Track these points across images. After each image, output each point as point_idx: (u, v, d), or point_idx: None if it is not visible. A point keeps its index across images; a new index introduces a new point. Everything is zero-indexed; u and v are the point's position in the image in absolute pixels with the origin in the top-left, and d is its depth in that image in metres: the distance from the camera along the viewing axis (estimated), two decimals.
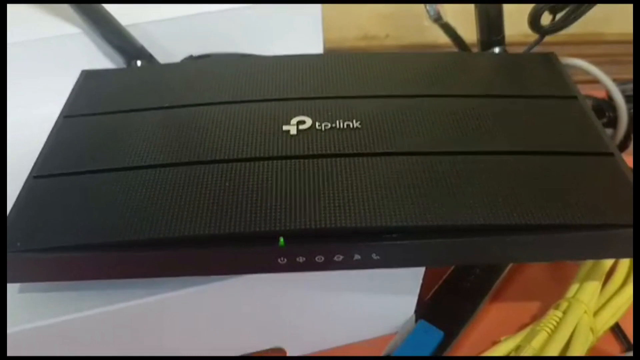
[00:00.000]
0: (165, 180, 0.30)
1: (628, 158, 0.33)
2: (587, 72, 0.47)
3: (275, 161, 0.31)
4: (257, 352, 0.34)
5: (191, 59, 0.43)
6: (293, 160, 0.31)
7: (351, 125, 0.33)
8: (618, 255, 0.31)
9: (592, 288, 0.33)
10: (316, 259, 0.28)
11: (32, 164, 0.32)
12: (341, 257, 0.28)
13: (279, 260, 0.28)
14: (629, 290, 0.34)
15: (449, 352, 0.34)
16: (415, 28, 0.61)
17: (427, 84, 0.37)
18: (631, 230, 0.28)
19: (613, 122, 0.49)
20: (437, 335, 0.34)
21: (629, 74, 0.54)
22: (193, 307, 0.31)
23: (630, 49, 0.50)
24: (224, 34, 0.45)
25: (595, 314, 0.33)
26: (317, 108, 0.34)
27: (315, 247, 0.28)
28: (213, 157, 0.31)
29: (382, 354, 0.34)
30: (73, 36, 0.42)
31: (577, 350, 0.31)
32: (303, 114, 0.34)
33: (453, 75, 0.38)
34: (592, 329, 0.32)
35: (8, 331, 0.28)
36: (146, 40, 0.42)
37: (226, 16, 0.45)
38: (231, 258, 0.28)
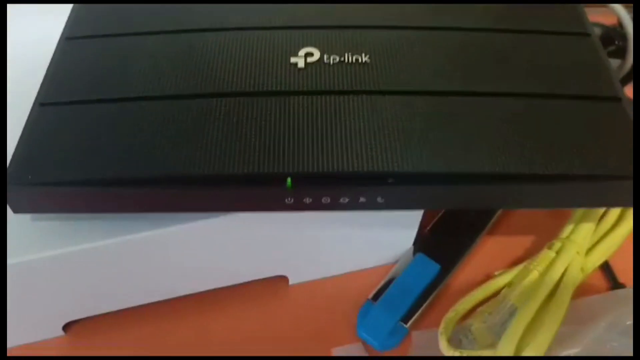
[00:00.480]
0: (174, 113, 0.29)
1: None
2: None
3: (283, 97, 0.30)
4: (261, 279, 0.36)
5: None
6: (301, 97, 0.30)
7: (360, 60, 0.32)
8: (618, 205, 0.31)
9: (586, 229, 0.34)
10: (322, 200, 0.28)
11: (32, 84, 0.31)
12: (347, 200, 0.28)
13: (286, 200, 0.28)
14: (620, 230, 0.35)
15: (444, 285, 0.35)
16: None
17: (436, 14, 0.35)
18: (631, 182, 0.28)
19: (622, 51, 0.48)
20: (434, 268, 0.35)
21: None
22: (201, 239, 0.31)
23: None
24: None
25: (587, 252, 0.35)
26: (326, 39, 0.33)
27: (322, 189, 0.28)
28: (221, 90, 0.31)
29: (380, 283, 0.35)
30: None
31: (566, 289, 0.32)
32: (311, 45, 0.33)
33: (463, 4, 0.36)
34: (582, 269, 0.34)
35: (18, 260, 0.28)
36: None
37: None
38: (239, 197, 0.28)
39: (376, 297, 0.35)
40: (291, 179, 0.27)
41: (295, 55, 0.32)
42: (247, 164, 0.27)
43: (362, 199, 0.28)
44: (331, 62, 0.32)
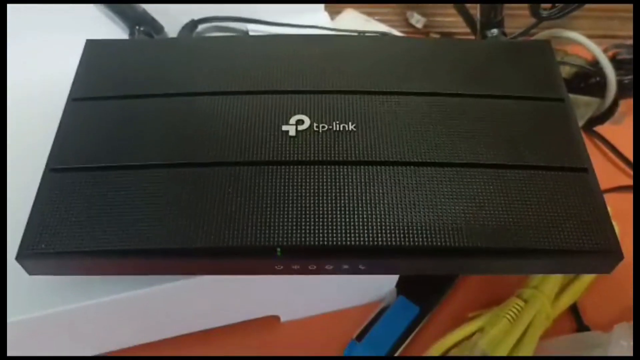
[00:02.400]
0: (171, 183, 0.32)
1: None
2: (580, 44, 0.47)
3: (276, 166, 0.33)
4: (255, 319, 0.39)
5: (192, 23, 0.43)
6: (293, 167, 0.33)
7: (347, 128, 0.34)
8: (595, 272, 0.34)
9: (554, 279, 0.37)
10: (309, 267, 0.31)
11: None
12: (331, 267, 0.31)
13: (275, 267, 0.31)
14: (586, 277, 0.39)
15: (422, 326, 0.39)
16: None
17: (416, 78, 0.37)
18: (609, 254, 0.30)
19: (601, 87, 0.50)
20: (413, 310, 0.39)
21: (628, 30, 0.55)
22: (201, 289, 0.35)
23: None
24: None
25: (554, 298, 0.38)
26: (315, 104, 0.35)
27: (309, 258, 0.31)
28: (217, 159, 0.33)
29: (364, 322, 0.39)
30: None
31: (533, 336, 0.36)
32: (302, 112, 0.35)
33: (442, 68, 0.38)
34: (548, 316, 0.37)
35: (18, 318, 0.32)
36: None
37: None
38: (234, 265, 0.31)
39: (360, 337, 0.38)
40: (281, 250, 0.30)
41: (287, 123, 0.35)
42: (243, 237, 0.30)
43: (345, 266, 0.31)
44: (320, 130, 0.34)
